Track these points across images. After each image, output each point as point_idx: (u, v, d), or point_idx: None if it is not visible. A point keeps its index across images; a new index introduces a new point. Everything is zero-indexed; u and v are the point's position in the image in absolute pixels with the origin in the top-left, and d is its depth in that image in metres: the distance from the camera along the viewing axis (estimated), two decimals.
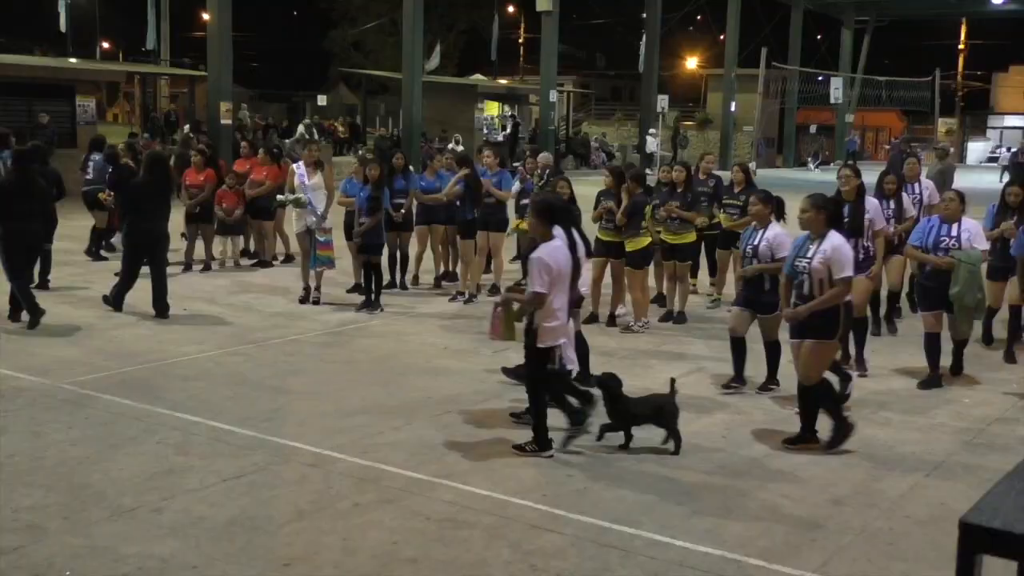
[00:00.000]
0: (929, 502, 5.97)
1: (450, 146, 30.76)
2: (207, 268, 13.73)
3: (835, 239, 6.82)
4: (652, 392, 7.19)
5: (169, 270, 11.05)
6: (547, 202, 7.07)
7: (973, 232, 8.44)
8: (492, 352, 9.35)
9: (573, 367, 6.97)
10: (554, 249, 6.59)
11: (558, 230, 6.75)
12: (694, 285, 12.34)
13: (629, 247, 10.19)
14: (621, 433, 6.80)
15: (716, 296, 11.92)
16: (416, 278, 12.89)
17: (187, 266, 13.62)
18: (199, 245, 13.71)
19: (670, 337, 10.22)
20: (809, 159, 47.53)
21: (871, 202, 9.02)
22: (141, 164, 12.50)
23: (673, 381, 6.94)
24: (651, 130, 37.53)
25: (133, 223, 10.63)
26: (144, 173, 11.09)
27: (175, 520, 5.43)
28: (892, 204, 9.98)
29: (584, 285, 8.00)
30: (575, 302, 7.27)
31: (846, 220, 8.31)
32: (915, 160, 11.79)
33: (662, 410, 6.78)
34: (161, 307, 10.48)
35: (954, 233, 8.41)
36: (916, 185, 11.13)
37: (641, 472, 6.36)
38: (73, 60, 31.81)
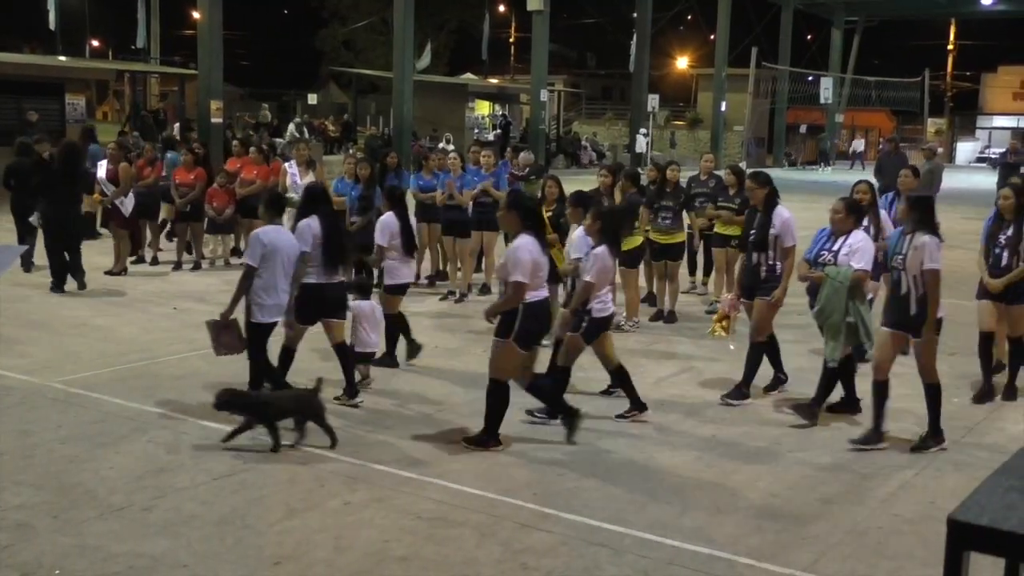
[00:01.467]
0: (918, 500, 6.00)
1: (440, 145, 30.76)
2: (197, 267, 13.71)
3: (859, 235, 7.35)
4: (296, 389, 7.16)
5: (159, 268, 11.07)
6: (519, 197, 7.38)
7: (854, 248, 7.25)
8: (483, 351, 9.35)
9: (369, 350, 7.72)
10: (529, 241, 6.67)
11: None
12: (693, 282, 12.39)
13: (622, 247, 10.21)
14: (619, 429, 6.81)
15: (716, 299, 11.82)
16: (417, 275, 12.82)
17: (177, 265, 13.60)
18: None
19: (660, 336, 10.24)
20: (820, 160, 47.60)
21: (781, 214, 8.17)
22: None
23: (320, 380, 6.85)
24: (642, 130, 37.57)
25: (46, 206, 11.80)
26: (57, 162, 12.09)
27: (165, 519, 5.42)
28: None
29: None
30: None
31: (752, 232, 8.10)
32: (909, 173, 10.19)
33: (303, 404, 6.69)
34: (78, 279, 11.76)
35: (835, 247, 7.39)
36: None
37: (631, 471, 6.37)
38: (63, 58, 31.70)
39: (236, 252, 14.57)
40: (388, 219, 8.55)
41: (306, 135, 32.49)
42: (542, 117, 34.30)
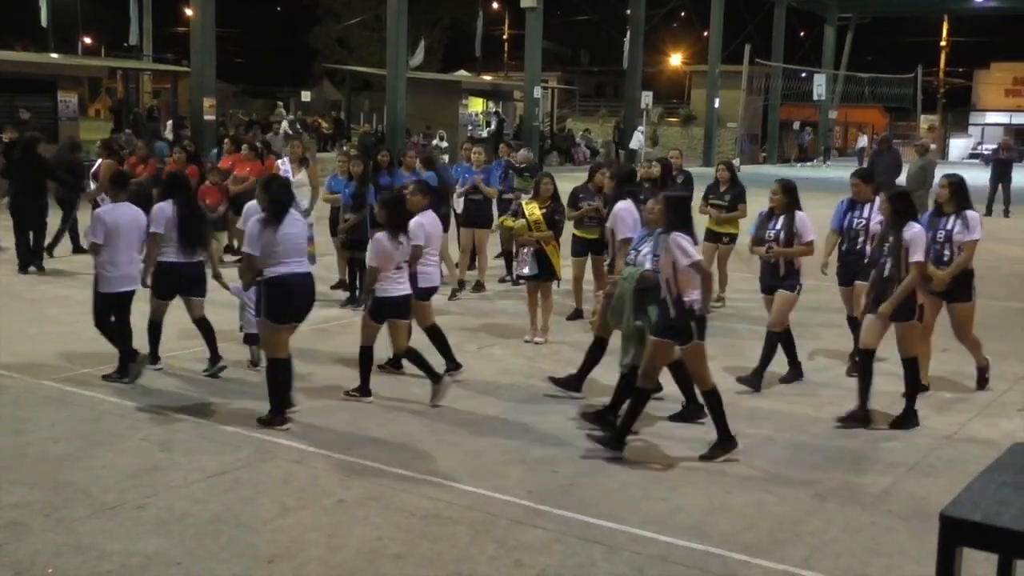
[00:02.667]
0: (911, 497, 6.01)
1: (434, 142, 30.73)
2: None
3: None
4: None
5: None
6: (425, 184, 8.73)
7: (655, 249, 6.91)
8: (477, 348, 9.37)
9: (256, 331, 7.79)
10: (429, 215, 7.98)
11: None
12: None
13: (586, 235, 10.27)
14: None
15: (721, 295, 11.75)
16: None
17: None
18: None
19: None
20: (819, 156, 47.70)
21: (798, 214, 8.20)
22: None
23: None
24: (640, 127, 37.57)
25: (13, 197, 13.07)
26: (19, 151, 13.33)
27: (159, 517, 5.42)
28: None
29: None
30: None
31: (770, 231, 8.32)
32: (859, 181, 8.82)
33: None
34: (37, 261, 13.02)
35: (644, 249, 7.28)
36: (867, 207, 8.69)
37: (625, 468, 6.38)
38: (55, 55, 31.60)
39: (229, 250, 14.55)
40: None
41: (299, 132, 32.42)
42: (536, 114, 34.27)
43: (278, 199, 7.11)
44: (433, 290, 8.48)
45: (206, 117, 24.66)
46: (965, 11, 54.81)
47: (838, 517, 5.69)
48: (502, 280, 12.84)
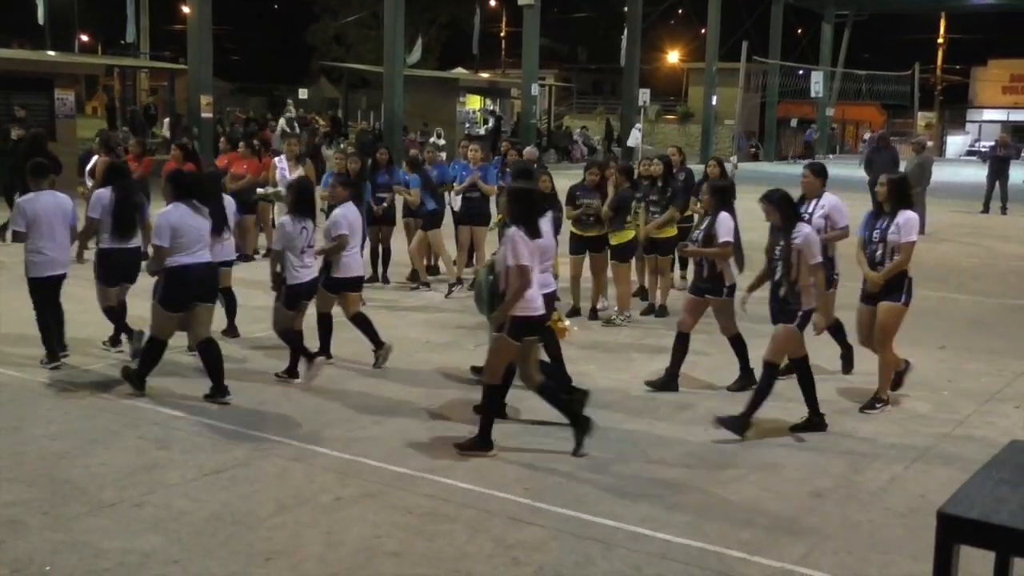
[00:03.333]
0: (909, 494, 6.02)
1: (431, 140, 30.70)
2: None
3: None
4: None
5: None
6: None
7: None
8: (475, 347, 9.36)
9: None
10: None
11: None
12: (684, 276, 12.35)
13: (614, 240, 10.21)
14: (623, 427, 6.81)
15: None
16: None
17: None
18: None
19: (651, 330, 10.24)
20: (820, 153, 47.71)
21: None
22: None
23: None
24: (637, 124, 37.57)
25: (24, 192, 13.28)
26: (25, 145, 13.57)
27: (156, 515, 5.41)
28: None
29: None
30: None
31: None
32: (810, 174, 8.79)
33: None
34: None
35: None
36: (813, 203, 8.70)
37: (623, 465, 6.38)
38: (51, 53, 31.55)
39: None
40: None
41: (296, 130, 32.38)
42: (533, 111, 34.26)
43: (187, 191, 7.56)
44: (358, 280, 8.86)
45: (203, 115, 24.64)
46: (962, 8, 54.83)
47: (836, 514, 5.70)
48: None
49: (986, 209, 23.18)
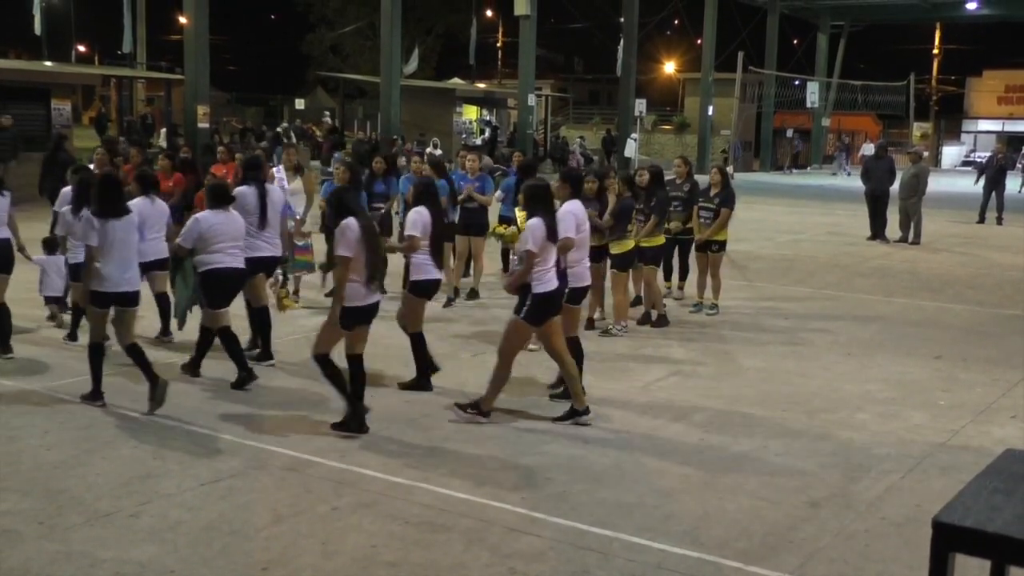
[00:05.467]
0: (905, 503, 6.02)
1: (428, 150, 30.74)
2: None
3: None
4: None
5: None
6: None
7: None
8: (471, 355, 9.36)
9: (55, 294, 9.25)
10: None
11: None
12: (668, 288, 12.38)
13: (615, 249, 10.20)
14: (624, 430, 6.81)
15: (715, 302, 11.71)
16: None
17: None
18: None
19: (648, 340, 10.25)
20: (838, 165, 47.83)
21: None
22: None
23: None
24: (632, 135, 37.64)
25: (52, 190, 12.84)
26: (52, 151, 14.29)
27: (152, 525, 5.41)
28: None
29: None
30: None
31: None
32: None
33: None
34: None
35: None
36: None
37: (619, 475, 6.38)
38: (48, 63, 31.60)
39: None
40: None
41: (293, 140, 32.40)
42: (530, 121, 34.33)
43: (107, 198, 7.56)
44: (269, 261, 9.03)
45: (200, 125, 24.68)
46: (957, 19, 54.99)
47: (831, 524, 5.70)
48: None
49: (981, 219, 23.25)
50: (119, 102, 39.93)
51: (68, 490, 5.86)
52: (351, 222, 6.98)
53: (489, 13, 56.90)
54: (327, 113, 42.43)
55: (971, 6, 47.91)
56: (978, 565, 3.03)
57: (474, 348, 9.69)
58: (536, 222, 7.20)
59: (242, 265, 8.34)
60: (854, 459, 6.79)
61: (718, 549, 5.29)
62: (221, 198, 8.27)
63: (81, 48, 50.34)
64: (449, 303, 11.70)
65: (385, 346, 9.69)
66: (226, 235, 8.13)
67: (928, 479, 6.46)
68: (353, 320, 7.06)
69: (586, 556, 5.17)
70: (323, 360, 7.13)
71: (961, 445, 7.17)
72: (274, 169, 12.84)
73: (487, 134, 39.66)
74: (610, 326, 10.47)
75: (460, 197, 12.03)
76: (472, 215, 12.06)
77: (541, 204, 7.34)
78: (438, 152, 25.84)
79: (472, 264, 12.49)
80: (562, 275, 7.42)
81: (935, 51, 61.42)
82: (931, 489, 6.22)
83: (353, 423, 7.01)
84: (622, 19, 39.22)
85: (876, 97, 44.73)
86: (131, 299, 7.58)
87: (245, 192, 8.89)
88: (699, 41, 45.14)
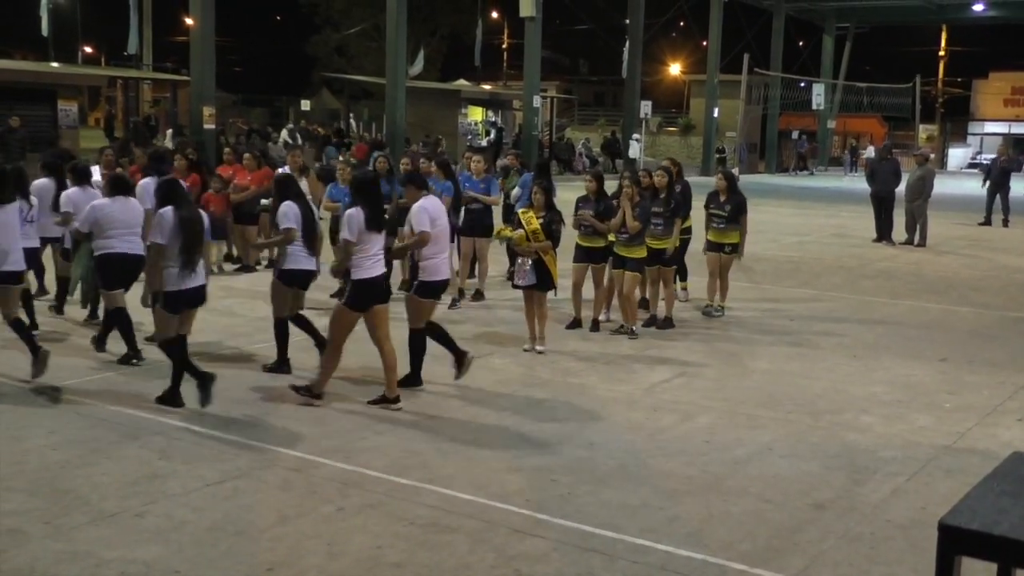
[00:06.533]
0: (910, 506, 6.01)
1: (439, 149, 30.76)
2: None
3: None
4: None
5: None
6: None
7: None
8: (477, 357, 9.36)
9: None
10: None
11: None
12: (684, 289, 12.36)
13: (634, 254, 10.19)
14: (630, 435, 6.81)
15: (721, 304, 11.67)
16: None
17: None
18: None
19: (652, 342, 10.24)
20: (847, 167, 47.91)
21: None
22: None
23: None
24: (635, 135, 37.64)
25: None
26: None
27: (158, 525, 5.41)
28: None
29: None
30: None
31: None
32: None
33: None
34: None
35: None
36: None
37: (624, 477, 6.38)
38: (55, 64, 31.68)
39: (229, 258, 14.57)
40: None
41: (299, 141, 32.44)
42: (535, 123, 34.34)
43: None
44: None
45: (206, 126, 24.73)
46: (963, 21, 54.90)
47: (836, 526, 5.69)
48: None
49: (987, 221, 23.20)
50: (125, 103, 40.02)
51: (74, 490, 5.87)
52: (167, 211, 7.48)
53: (494, 15, 56.95)
54: (352, 116, 42.48)
55: (977, 8, 47.83)
56: (984, 568, 3.03)
57: (479, 349, 9.69)
58: (355, 211, 7.57)
59: (138, 251, 8.80)
60: (859, 461, 6.78)
61: (723, 551, 5.28)
62: (119, 187, 8.93)
63: (87, 49, 50.37)
64: (454, 304, 11.71)
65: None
66: (121, 222, 8.74)
67: (934, 482, 6.45)
68: (174, 304, 7.57)
69: (591, 558, 5.17)
70: (166, 344, 7.71)
71: (967, 448, 7.16)
72: (279, 171, 12.87)
73: (492, 135, 39.66)
74: (624, 324, 10.38)
75: (465, 199, 12.03)
76: (477, 217, 12.07)
77: (363, 195, 7.72)
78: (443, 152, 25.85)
79: (477, 266, 12.49)
80: (387, 264, 8.02)
81: (941, 53, 61.33)
82: (937, 492, 6.21)
83: (174, 399, 7.56)
84: (627, 21, 39.24)
85: (882, 99, 44.70)
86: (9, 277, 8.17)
87: (147, 184, 9.89)
88: (704, 43, 45.11)
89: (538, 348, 9.55)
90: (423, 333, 8.32)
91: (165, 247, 7.40)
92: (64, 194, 9.87)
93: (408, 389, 8.06)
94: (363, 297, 7.61)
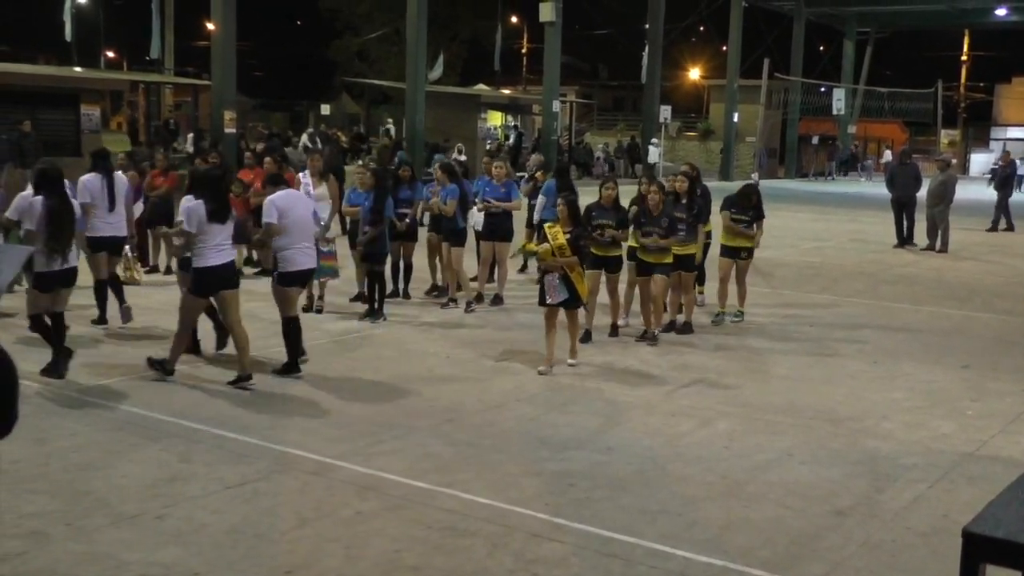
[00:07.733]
0: (932, 513, 5.97)
1: (453, 156, 30.80)
2: None
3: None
4: None
5: (171, 277, 11.16)
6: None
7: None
8: (495, 361, 9.37)
9: None
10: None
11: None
12: (700, 293, 12.30)
13: (661, 259, 10.19)
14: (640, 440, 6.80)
15: (740, 309, 11.61)
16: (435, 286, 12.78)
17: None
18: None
19: (672, 347, 10.21)
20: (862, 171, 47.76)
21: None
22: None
23: None
24: (653, 140, 37.58)
25: None
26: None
27: (177, 527, 5.44)
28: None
29: None
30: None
31: None
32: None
33: None
34: None
35: None
36: None
37: (643, 482, 6.36)
38: (78, 69, 31.89)
39: (249, 262, 14.61)
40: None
41: (319, 145, 32.54)
42: (554, 128, 34.32)
43: None
44: (109, 241, 10.14)
45: (226, 130, 24.84)
46: (986, 25, 54.57)
47: (857, 533, 5.66)
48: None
49: (995, 228, 23.27)
50: (147, 107, 40.24)
51: (95, 492, 5.90)
52: (37, 199, 8.15)
53: (514, 19, 56.96)
54: (389, 121, 42.54)
55: (1000, 12, 47.53)
56: None
57: (498, 353, 9.69)
58: (195, 204, 8.07)
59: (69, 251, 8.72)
60: (880, 468, 6.74)
61: (742, 557, 5.26)
62: (51, 184, 8.79)
63: (110, 54, 50.78)
64: (469, 307, 11.70)
65: (407, 349, 9.75)
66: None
67: (956, 489, 6.40)
68: (47, 284, 8.29)
69: (609, 563, 5.16)
70: (34, 320, 8.36)
71: (990, 455, 7.10)
72: (299, 175, 12.92)
73: (512, 140, 39.68)
74: (647, 329, 10.34)
75: (477, 207, 12.01)
76: (496, 221, 12.08)
77: (206, 189, 8.21)
78: (463, 158, 25.89)
79: (496, 269, 12.49)
80: (229, 252, 8.41)
81: (963, 58, 60.98)
82: (959, 499, 6.16)
83: (59, 368, 8.18)
84: (647, 26, 39.17)
85: (903, 104, 44.41)
86: None
87: (92, 179, 10.02)
88: (724, 48, 44.99)
89: (570, 361, 9.34)
90: (295, 320, 8.81)
91: (35, 232, 8.10)
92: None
93: (288, 377, 8.53)
94: (205, 284, 8.23)
